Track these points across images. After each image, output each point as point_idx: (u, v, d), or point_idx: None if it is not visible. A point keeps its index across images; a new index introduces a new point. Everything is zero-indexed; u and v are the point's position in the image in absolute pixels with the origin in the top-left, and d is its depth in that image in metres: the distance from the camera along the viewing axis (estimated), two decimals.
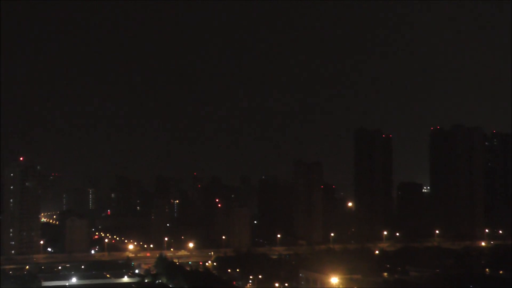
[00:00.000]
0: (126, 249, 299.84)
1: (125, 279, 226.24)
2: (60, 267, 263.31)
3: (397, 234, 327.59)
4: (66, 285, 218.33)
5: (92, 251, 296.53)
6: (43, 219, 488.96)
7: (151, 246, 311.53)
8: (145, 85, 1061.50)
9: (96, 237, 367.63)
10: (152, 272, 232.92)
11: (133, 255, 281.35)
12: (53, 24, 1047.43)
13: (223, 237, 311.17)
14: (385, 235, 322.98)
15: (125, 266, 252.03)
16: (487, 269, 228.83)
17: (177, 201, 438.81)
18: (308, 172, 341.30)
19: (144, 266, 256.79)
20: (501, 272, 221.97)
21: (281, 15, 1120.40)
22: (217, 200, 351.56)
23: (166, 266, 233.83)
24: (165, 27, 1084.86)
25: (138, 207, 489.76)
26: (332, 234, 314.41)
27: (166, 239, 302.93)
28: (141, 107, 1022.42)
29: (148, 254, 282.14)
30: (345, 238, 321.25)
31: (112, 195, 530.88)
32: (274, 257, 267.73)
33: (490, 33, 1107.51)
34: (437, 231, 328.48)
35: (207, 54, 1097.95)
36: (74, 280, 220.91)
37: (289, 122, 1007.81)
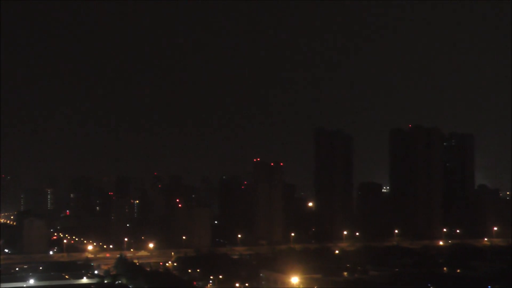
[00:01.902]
0: (85, 250, 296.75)
1: (84, 280, 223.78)
2: (17, 268, 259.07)
3: (357, 233, 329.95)
4: (24, 287, 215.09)
5: (51, 252, 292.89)
6: (1, 220, 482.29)
7: (111, 246, 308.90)
8: (103, 84, 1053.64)
9: (54, 237, 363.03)
10: (111, 273, 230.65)
11: (92, 255, 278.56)
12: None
13: (184, 237, 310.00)
14: (345, 234, 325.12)
15: (84, 267, 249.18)
16: (445, 268, 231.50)
17: (137, 201, 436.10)
18: (268, 172, 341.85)
19: (104, 267, 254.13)
20: (458, 270, 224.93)
21: (239, 13, 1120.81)
22: (177, 200, 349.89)
23: (126, 266, 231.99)
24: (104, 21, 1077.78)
25: (97, 207, 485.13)
26: (292, 234, 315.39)
27: (126, 239, 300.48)
28: (100, 107, 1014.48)
29: (107, 255, 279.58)
30: (305, 237, 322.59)
31: (71, 195, 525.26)
32: (235, 257, 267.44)
33: (449, 35, 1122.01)
34: (396, 231, 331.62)
35: (170, 52, 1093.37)
36: (32, 281, 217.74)
37: (250, 122, 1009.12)
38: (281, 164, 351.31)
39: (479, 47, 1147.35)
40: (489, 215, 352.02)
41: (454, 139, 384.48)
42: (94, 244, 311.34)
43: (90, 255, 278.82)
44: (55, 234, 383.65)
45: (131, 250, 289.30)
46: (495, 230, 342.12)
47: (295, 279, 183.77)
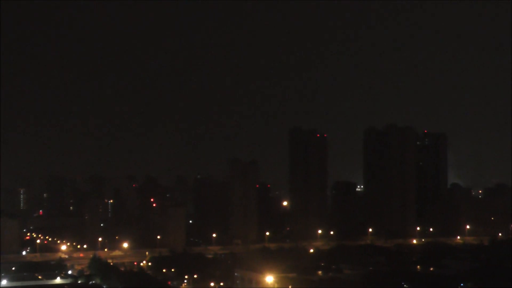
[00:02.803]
0: (58, 250, 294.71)
1: (58, 280, 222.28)
2: None
3: (332, 232, 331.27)
4: None
5: (24, 252, 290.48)
6: None
7: (85, 246, 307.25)
8: (76, 83, 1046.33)
9: (27, 237, 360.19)
10: (85, 273, 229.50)
11: (66, 255, 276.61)
12: None
13: (158, 237, 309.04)
14: (320, 233, 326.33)
15: (58, 267, 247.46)
16: (418, 266, 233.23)
17: (111, 200, 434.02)
18: (243, 171, 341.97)
19: (78, 267, 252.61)
20: (431, 269, 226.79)
21: (210, 11, 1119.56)
22: (152, 199, 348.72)
23: (100, 266, 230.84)
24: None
25: (71, 207, 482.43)
26: (267, 233, 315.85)
27: (100, 239, 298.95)
28: (73, 105, 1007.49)
29: (81, 255, 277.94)
30: (280, 237, 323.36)
31: (45, 195, 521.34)
32: (210, 256, 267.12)
33: (421, 35, 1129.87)
34: (370, 229, 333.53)
35: (143, 52, 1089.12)
36: (4, 282, 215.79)
37: (225, 122, 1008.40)
38: (256, 163, 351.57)
39: (452, 48, 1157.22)
40: (461, 213, 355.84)
41: (428, 138, 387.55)
42: (68, 244, 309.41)
43: (63, 255, 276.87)
44: (28, 234, 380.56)
45: (105, 250, 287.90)
46: (468, 228, 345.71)
47: (270, 278, 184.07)
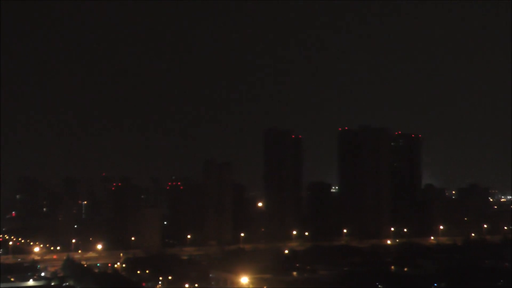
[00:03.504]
0: (32, 252, 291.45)
1: (31, 282, 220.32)
2: None
3: (306, 233, 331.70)
4: None
5: None
6: None
7: (58, 248, 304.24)
8: (49, 83, 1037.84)
9: (0, 239, 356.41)
10: (59, 275, 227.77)
11: (39, 257, 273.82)
12: None
13: (133, 238, 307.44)
14: (295, 234, 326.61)
15: (31, 269, 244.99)
16: (392, 267, 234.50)
17: (85, 202, 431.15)
18: (218, 172, 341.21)
19: (51, 269, 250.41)
20: (406, 269, 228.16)
21: (185, 12, 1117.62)
22: (126, 200, 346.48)
23: (73, 268, 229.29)
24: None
25: (44, 209, 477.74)
26: (242, 234, 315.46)
27: (74, 240, 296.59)
28: (47, 107, 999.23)
29: (55, 257, 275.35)
30: (255, 237, 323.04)
31: (17, 196, 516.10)
32: (185, 257, 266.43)
33: (396, 36, 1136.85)
34: (345, 230, 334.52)
35: (119, 53, 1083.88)
36: None
37: (199, 122, 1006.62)
38: (231, 164, 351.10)
39: (424, 49, 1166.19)
40: (435, 214, 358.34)
41: (402, 139, 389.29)
42: (41, 245, 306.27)
43: (36, 257, 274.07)
44: (1, 236, 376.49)
45: (79, 251, 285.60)
46: (441, 228, 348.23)
47: (244, 279, 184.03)
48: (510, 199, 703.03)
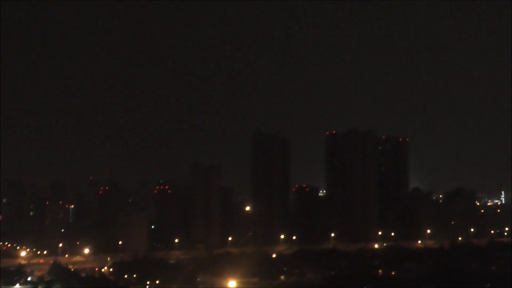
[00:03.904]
0: (18, 256, 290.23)
1: (17, 286, 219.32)
2: None
3: (294, 237, 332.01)
4: None
5: None
6: None
7: (45, 252, 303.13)
8: (35, 85, 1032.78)
9: None
10: (45, 279, 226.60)
11: (25, 261, 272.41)
12: None
13: (120, 242, 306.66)
14: (282, 238, 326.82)
15: (17, 273, 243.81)
16: (380, 270, 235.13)
17: (72, 205, 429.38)
18: (205, 175, 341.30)
19: (38, 273, 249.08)
20: (393, 272, 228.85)
21: (167, 12, 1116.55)
22: (114, 204, 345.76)
23: (60, 272, 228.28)
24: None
25: (31, 213, 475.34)
26: (230, 238, 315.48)
27: (60, 245, 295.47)
28: (33, 109, 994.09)
29: (41, 261, 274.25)
30: (243, 241, 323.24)
31: (4, 200, 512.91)
32: (172, 261, 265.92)
33: (382, 41, 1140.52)
34: (332, 234, 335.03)
35: (105, 54, 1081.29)
36: None
37: (187, 125, 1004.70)
38: (218, 167, 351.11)
39: (411, 53, 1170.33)
40: (422, 217, 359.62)
41: (389, 143, 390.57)
42: (28, 250, 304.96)
43: (23, 261, 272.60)
44: None
45: (66, 255, 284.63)
46: (428, 232, 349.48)
47: (232, 283, 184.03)
48: (497, 202, 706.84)
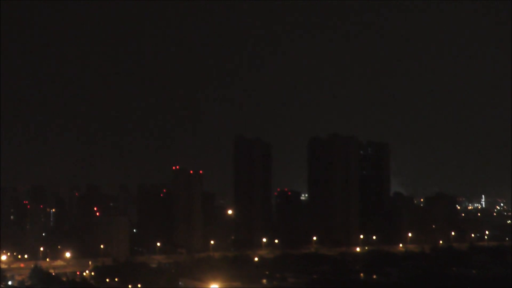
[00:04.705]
0: None
1: None
2: None
3: (276, 241, 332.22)
4: None
5: None
6: None
7: (26, 256, 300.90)
8: (13, 88, 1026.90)
9: None
10: (26, 284, 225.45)
11: (6, 266, 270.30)
12: None
13: (101, 246, 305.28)
14: (264, 242, 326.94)
15: None
16: (361, 274, 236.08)
17: (53, 209, 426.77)
18: (187, 180, 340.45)
19: (18, 278, 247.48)
20: (374, 276, 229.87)
21: (153, 16, 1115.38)
22: (95, 208, 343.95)
23: (41, 277, 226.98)
24: None
25: (12, 216, 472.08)
26: (212, 242, 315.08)
27: (41, 249, 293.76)
28: (11, 111, 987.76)
29: (22, 265, 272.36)
30: (224, 245, 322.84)
31: None
32: (154, 265, 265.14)
33: (364, 46, 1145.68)
34: (314, 238, 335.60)
35: (87, 56, 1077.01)
36: None
37: (169, 130, 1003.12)
38: (201, 172, 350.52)
39: (392, 57, 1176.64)
40: (404, 222, 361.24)
41: (371, 147, 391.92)
42: (8, 254, 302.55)
43: (3, 266, 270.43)
44: None
45: (47, 259, 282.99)
46: (410, 236, 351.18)
47: (214, 287, 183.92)
48: (477, 207, 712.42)
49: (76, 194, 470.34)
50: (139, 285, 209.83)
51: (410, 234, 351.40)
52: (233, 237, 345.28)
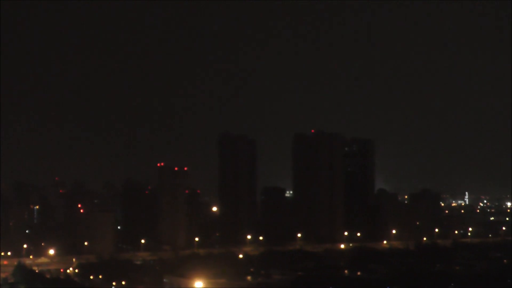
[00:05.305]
0: None
1: None
2: None
3: (261, 238, 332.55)
4: None
5: None
6: None
7: (9, 253, 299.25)
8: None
9: None
10: (10, 281, 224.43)
11: None
12: None
13: (86, 243, 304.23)
14: (249, 239, 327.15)
15: None
16: (346, 271, 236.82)
17: (37, 206, 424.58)
18: (172, 176, 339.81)
19: (2, 275, 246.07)
20: (359, 273, 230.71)
21: (139, 14, 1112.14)
22: (79, 205, 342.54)
23: (24, 274, 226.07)
24: None
25: None
26: (196, 239, 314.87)
27: (25, 246, 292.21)
28: None
29: (5, 262, 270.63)
30: (209, 242, 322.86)
31: None
32: (138, 262, 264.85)
33: (348, 42, 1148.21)
34: (299, 235, 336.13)
35: (71, 51, 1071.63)
36: None
37: (154, 126, 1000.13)
38: (185, 168, 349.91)
39: (377, 54, 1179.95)
40: (388, 218, 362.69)
41: (355, 144, 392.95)
42: None
43: None
44: None
45: (31, 256, 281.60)
46: (394, 233, 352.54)
47: (199, 284, 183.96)
48: (461, 203, 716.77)
49: (61, 191, 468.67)
50: (123, 282, 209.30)
51: (394, 231, 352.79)
52: (218, 234, 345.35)
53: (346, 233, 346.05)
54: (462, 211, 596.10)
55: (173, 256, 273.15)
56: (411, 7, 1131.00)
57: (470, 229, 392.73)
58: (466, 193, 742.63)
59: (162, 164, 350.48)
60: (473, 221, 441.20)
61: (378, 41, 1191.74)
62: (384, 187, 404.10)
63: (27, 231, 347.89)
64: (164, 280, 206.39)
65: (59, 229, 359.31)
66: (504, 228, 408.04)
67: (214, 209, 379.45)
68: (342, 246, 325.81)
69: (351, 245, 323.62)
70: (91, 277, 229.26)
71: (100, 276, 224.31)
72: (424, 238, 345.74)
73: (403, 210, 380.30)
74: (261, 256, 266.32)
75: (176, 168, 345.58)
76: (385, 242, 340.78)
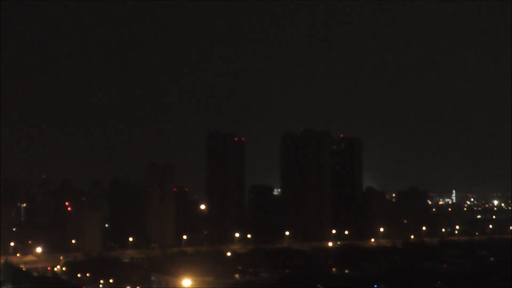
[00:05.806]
0: None
1: None
2: None
3: (249, 236, 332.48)
4: None
5: None
6: None
7: None
8: None
9: None
10: None
11: None
12: None
13: (73, 241, 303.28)
14: (237, 237, 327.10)
15: None
16: (334, 269, 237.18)
17: (24, 204, 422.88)
18: (160, 174, 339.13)
19: None
20: (347, 271, 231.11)
21: (132, 14, 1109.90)
22: (67, 203, 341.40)
23: (11, 272, 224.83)
24: None
25: None
26: (184, 237, 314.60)
27: (12, 244, 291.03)
28: None
29: None
30: (197, 240, 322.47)
31: None
32: (126, 260, 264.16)
33: (338, 41, 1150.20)
34: (287, 233, 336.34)
35: (57, 50, 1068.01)
36: None
37: (142, 124, 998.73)
38: (173, 166, 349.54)
39: (366, 53, 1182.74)
40: (376, 216, 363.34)
41: (343, 142, 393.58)
42: None
43: None
44: None
45: (18, 254, 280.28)
46: (382, 231, 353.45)
47: (187, 282, 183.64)
48: (448, 202, 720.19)
49: (48, 189, 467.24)
50: (111, 280, 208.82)
51: (382, 229, 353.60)
52: (206, 232, 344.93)
53: (334, 231, 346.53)
54: (449, 209, 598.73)
55: (161, 254, 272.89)
56: (393, 5, 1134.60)
57: (457, 227, 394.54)
58: (453, 191, 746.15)
59: (150, 161, 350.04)
60: (460, 219, 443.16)
61: (365, 40, 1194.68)
62: (372, 185, 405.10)
63: (14, 229, 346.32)
64: (152, 278, 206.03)
65: (46, 227, 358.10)
66: (490, 226, 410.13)
67: (202, 207, 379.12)
68: (330, 244, 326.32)
69: (339, 243, 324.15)
70: (79, 275, 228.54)
71: (88, 274, 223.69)
72: (412, 236, 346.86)
73: (391, 208, 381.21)
74: (249, 254, 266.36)
75: (164, 166, 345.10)
76: (372, 240, 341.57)
